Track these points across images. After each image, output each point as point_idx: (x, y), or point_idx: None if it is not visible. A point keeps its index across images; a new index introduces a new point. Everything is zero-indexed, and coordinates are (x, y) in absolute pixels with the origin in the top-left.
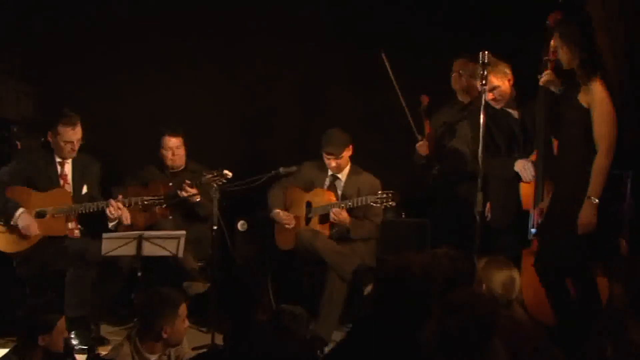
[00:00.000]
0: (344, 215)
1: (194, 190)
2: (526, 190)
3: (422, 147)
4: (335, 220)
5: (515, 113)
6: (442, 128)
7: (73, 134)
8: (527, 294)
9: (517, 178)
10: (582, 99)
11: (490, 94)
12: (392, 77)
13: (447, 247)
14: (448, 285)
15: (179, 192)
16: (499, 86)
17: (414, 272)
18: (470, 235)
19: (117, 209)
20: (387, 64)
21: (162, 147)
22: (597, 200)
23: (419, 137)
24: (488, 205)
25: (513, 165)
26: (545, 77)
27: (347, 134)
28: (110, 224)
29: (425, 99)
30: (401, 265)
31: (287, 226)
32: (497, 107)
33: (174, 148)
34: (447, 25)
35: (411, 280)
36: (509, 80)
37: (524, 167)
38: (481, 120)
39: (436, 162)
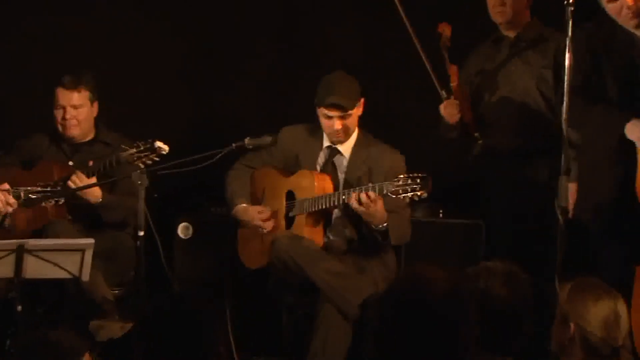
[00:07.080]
0: (380, 205)
1: (87, 180)
2: None
3: (449, 109)
4: (363, 211)
5: None
6: (479, 78)
7: None
8: None
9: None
10: None
11: None
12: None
13: (501, 260)
14: (499, 321)
15: (69, 182)
16: None
17: (439, 293)
18: (542, 245)
19: (5, 204)
20: None
21: (53, 104)
22: None
23: (443, 94)
24: (572, 193)
25: (623, 126)
26: None
27: (357, 80)
28: None
29: (446, 29)
30: (420, 281)
31: (260, 230)
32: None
33: (68, 106)
34: None
35: (436, 305)
36: None
37: None
38: (566, 62)
39: (476, 132)
